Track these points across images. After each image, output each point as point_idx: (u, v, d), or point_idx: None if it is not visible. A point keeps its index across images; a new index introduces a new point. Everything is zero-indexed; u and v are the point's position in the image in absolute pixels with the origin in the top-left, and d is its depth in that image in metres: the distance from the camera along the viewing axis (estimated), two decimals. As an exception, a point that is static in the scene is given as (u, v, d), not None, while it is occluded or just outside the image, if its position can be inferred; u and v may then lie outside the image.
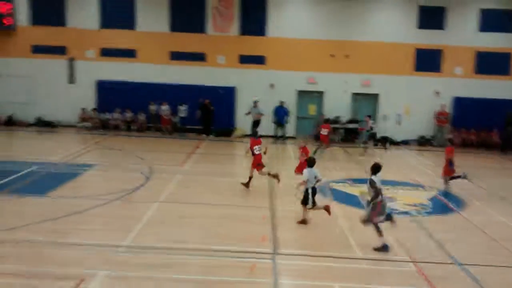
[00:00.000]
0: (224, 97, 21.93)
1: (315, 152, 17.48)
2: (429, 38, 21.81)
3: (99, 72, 22.11)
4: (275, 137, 21.09)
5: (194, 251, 8.23)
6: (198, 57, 22.06)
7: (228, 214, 10.52)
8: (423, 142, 21.93)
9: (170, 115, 21.67)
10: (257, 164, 12.41)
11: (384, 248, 8.67)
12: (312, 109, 22.61)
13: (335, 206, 11.51)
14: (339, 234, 9.62)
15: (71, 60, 22.17)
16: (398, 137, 21.97)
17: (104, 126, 21.87)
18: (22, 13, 21.85)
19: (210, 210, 10.78)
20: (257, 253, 8.31)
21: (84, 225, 9.39)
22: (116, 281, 7.00)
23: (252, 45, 22.00)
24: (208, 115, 21.35)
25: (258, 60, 22.07)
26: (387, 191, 12.92)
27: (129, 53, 22.09)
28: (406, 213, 11.32)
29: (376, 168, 8.85)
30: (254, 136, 13.01)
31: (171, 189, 12.39)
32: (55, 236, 8.59)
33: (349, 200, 12.19)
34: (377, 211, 8.72)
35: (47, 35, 21.98)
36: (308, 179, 9.87)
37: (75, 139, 19.95)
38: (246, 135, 21.02)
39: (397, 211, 11.29)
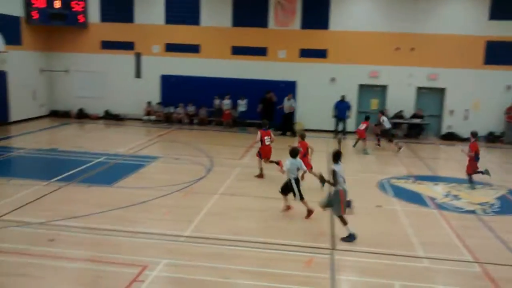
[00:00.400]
0: (285, 92, 21.92)
1: (354, 145, 17.95)
2: (502, 30, 20.61)
3: (163, 67, 22.81)
4: (335, 132, 20.84)
5: (252, 243, 8.34)
6: (259, 52, 22.17)
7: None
8: (492, 139, 20.84)
9: (231, 109, 21.99)
10: (265, 156, 12.89)
11: (350, 237, 8.68)
12: (374, 104, 22.10)
13: (396, 203, 11.26)
14: (400, 231, 9.40)
15: (138, 55, 23.02)
16: (466, 133, 21.02)
17: (168, 120, 22.54)
18: (94, 10, 22.91)
19: (268, 203, 10.86)
20: (314, 248, 8.29)
21: (148, 214, 9.78)
22: (177, 270, 7.24)
23: (314, 38, 21.80)
24: (269, 108, 21.43)
25: (319, 54, 21.85)
26: (453, 189, 12.57)
27: (192, 48, 22.59)
28: (472, 211, 10.85)
29: (337, 156, 8.91)
30: (264, 127, 13.26)
31: (230, 181, 12.60)
32: (121, 225, 9.01)
33: (411, 197, 11.85)
34: (342, 200, 8.72)
35: (116, 31, 22.94)
36: (289, 169, 9.79)
37: (140, 132, 20.72)
38: (306, 129, 20.92)
39: (462, 210, 10.86)
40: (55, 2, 21.71)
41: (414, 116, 21.26)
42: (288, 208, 10.25)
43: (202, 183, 12.29)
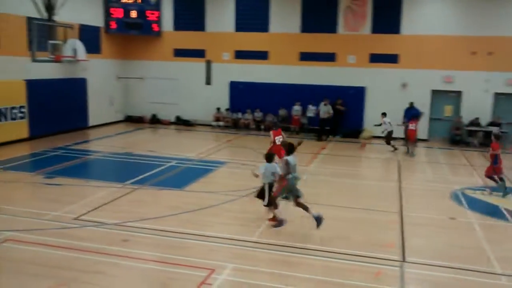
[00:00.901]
0: (354, 97, 21.60)
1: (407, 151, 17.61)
2: None
3: (232, 74, 23.24)
4: (405, 139, 20.16)
5: (318, 251, 8.26)
6: (328, 57, 22.00)
7: (354, 217, 10.38)
8: None
9: (300, 115, 21.97)
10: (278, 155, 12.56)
11: (280, 223, 9.29)
12: (448, 110, 21.21)
13: (471, 215, 10.71)
14: (475, 245, 8.92)
15: (208, 62, 23.60)
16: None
17: (236, 126, 22.91)
18: (167, 19, 23.82)
19: (335, 211, 10.71)
20: (383, 259, 8.06)
21: (216, 218, 9.97)
22: (243, 275, 7.31)
23: (385, 43, 21.31)
24: (336, 115, 21.19)
25: (390, 58, 21.32)
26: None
27: (261, 55, 22.84)
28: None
29: (290, 149, 9.70)
30: (275, 127, 13.80)
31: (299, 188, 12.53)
32: (191, 228, 9.24)
33: (487, 209, 11.23)
34: (282, 186, 9.24)
35: (188, 39, 23.69)
36: (263, 173, 9.62)
37: (209, 137, 21.20)
38: (374, 137, 20.49)
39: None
40: (131, 12, 22.81)
41: (491, 124, 20.13)
42: (274, 219, 9.53)
43: (268, 189, 12.33)
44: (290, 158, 9.50)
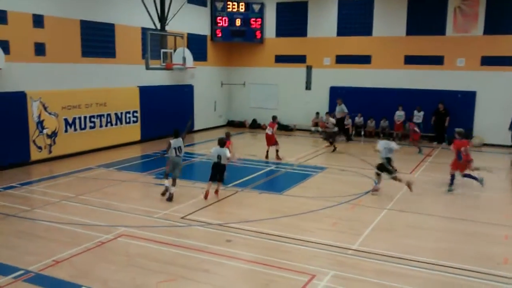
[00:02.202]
0: (462, 103, 20.37)
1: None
2: None
3: (333, 79, 23.07)
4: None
5: (422, 263, 7.89)
6: (435, 61, 20.99)
7: (462, 229, 9.78)
8: None
9: (403, 121, 21.20)
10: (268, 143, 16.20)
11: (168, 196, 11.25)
12: None
13: None
14: None
15: (309, 68, 23.67)
16: None
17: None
18: (270, 27, 24.30)
19: (441, 222, 10.18)
20: (495, 275, 7.50)
21: (316, 224, 9.95)
22: (344, 282, 7.20)
23: (499, 45, 19.82)
24: (441, 121, 20.13)
25: (505, 61, 19.77)
26: None
27: (363, 59, 22.42)
28: None
29: (176, 133, 11.69)
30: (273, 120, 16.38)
31: (400, 196, 12.13)
32: (291, 232, 9.32)
33: None
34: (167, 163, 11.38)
35: (289, 45, 23.97)
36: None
37: (308, 142, 21.21)
38: (485, 144, 19.13)
39: None
40: (236, 20, 23.63)
41: None
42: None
43: (369, 197, 12.08)
44: (172, 140, 11.55)
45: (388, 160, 12.27)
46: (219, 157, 11.61)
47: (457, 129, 13.36)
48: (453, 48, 20.64)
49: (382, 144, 12.54)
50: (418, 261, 7.99)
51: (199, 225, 9.73)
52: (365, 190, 12.61)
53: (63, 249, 8.23)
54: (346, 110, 21.23)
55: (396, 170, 12.31)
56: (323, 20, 23.12)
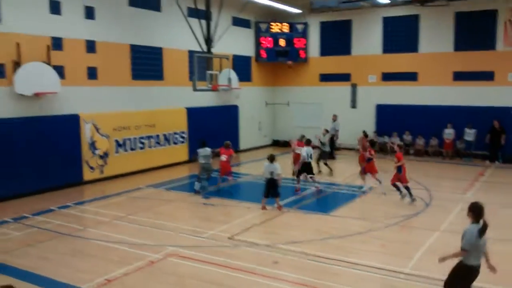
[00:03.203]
0: (515, 119, 19.61)
1: None
2: None
3: (379, 96, 22.79)
4: None
5: (480, 289, 7.56)
6: (485, 76, 20.36)
7: (522, 253, 9.32)
8: None
9: (453, 139, 20.60)
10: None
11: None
12: None
13: None
14: None
15: (354, 86, 23.49)
16: None
17: (382, 149, 22.26)
18: (314, 46, 24.37)
19: (499, 245, 9.70)
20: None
21: (364, 246, 9.74)
22: (396, 307, 7.01)
23: (554, 58, 19.05)
24: (496, 139, 19.40)
25: (561, 75, 18.98)
26: None
27: (409, 76, 22.06)
28: None
29: (203, 144, 13.76)
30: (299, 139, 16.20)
31: (453, 218, 11.71)
32: (339, 254, 9.16)
33: None
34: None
35: (333, 64, 23.92)
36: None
37: (354, 161, 20.88)
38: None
39: None
40: (280, 40, 23.85)
41: None
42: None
43: (420, 218, 11.73)
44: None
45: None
46: (271, 173, 12.19)
47: (399, 143, 14.75)
48: (504, 63, 19.96)
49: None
50: (477, 286, 7.64)
51: (246, 245, 9.74)
52: (416, 211, 12.26)
53: (114, 268, 8.43)
54: (338, 128, 21.49)
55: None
56: (367, 38, 22.97)
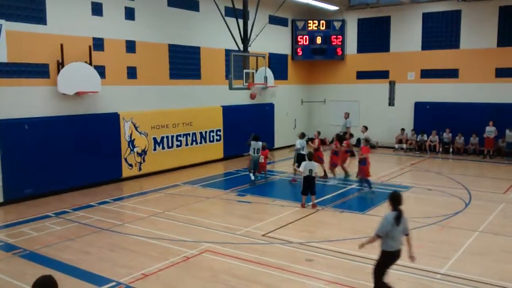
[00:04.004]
0: None
1: None
2: None
3: (418, 94, 22.34)
4: None
5: (521, 292, 7.33)
6: (530, 72, 19.65)
7: None
8: None
9: (494, 137, 19.97)
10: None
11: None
12: None
13: None
14: None
15: (392, 83, 23.09)
16: None
17: (420, 148, 21.82)
18: (351, 43, 24.11)
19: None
20: None
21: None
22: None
23: None
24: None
25: None
26: None
27: (450, 73, 21.51)
28: None
29: (256, 138, 14.88)
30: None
31: (493, 218, 11.37)
32: (373, 253, 9.00)
33: None
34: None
35: (371, 61, 23.59)
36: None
37: (392, 160, 20.58)
38: None
39: None
40: (317, 38, 23.73)
41: None
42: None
43: (459, 218, 11.44)
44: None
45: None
46: (310, 170, 12.32)
47: (366, 136, 15.79)
48: (551, 59, 19.21)
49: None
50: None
51: (280, 243, 9.77)
52: (455, 210, 11.97)
53: (151, 263, 8.63)
54: (349, 125, 21.07)
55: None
56: (406, 34, 22.53)
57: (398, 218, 6.59)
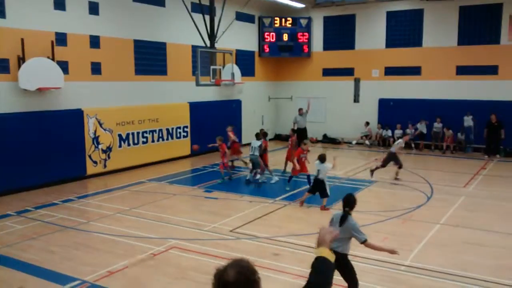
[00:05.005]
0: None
1: None
2: None
3: (382, 91, 22.76)
4: None
5: (481, 281, 7.58)
6: (489, 70, 20.31)
7: (523, 246, 9.34)
8: None
9: (452, 132, 20.66)
10: None
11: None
12: None
13: None
14: None
15: (357, 80, 23.47)
16: None
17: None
18: (317, 40, 24.35)
19: (501, 239, 9.75)
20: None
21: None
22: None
23: (558, 52, 18.97)
24: (494, 133, 19.35)
25: None
26: None
27: (413, 70, 22.03)
28: None
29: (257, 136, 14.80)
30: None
31: (454, 211, 11.74)
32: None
33: None
34: None
35: (337, 59, 23.89)
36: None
37: (356, 155, 20.94)
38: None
39: None
40: (283, 35, 23.86)
41: None
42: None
43: (422, 211, 11.76)
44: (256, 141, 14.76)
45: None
46: (318, 172, 12.03)
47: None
48: (508, 57, 19.91)
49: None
50: (476, 279, 7.70)
51: (247, 238, 9.81)
52: (417, 204, 12.30)
53: (117, 260, 8.52)
54: (299, 120, 21.27)
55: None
56: (371, 32, 22.93)
57: (342, 219, 6.70)
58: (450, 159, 19.64)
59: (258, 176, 14.92)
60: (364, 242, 6.66)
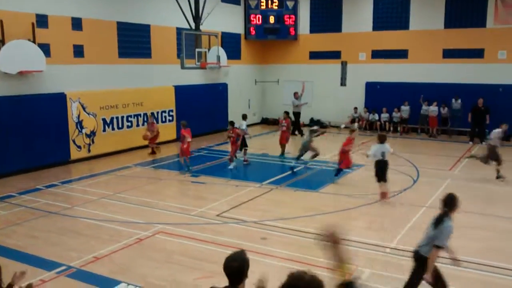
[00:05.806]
0: (504, 97, 19.66)
1: None
2: None
3: (369, 74, 22.73)
4: None
5: (470, 263, 7.63)
6: (475, 54, 20.36)
7: (506, 227, 9.44)
8: None
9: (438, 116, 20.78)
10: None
11: None
12: None
13: None
14: None
15: (344, 63, 23.39)
16: None
17: (371, 127, 22.33)
18: (304, 23, 24.15)
19: (489, 221, 9.85)
20: (543, 276, 7.21)
21: (353, 222, 9.84)
22: (382, 281, 7.08)
23: (544, 36, 19.07)
24: (479, 117, 19.46)
25: (549, 52, 19.01)
26: None
27: (400, 54, 22.00)
28: None
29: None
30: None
31: (440, 194, 11.78)
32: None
33: None
34: None
35: (324, 41, 23.74)
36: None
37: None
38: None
39: None
40: (270, 17, 23.61)
41: None
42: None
43: (408, 194, 11.84)
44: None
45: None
46: (383, 154, 11.10)
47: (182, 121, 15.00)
48: (494, 41, 19.96)
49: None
50: (465, 261, 7.73)
51: (234, 222, 9.77)
52: (404, 187, 12.36)
53: (103, 246, 8.43)
54: (296, 104, 21.62)
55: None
56: (358, 15, 22.79)
57: (439, 220, 6.06)
58: (436, 142, 19.79)
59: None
60: (441, 248, 5.95)
